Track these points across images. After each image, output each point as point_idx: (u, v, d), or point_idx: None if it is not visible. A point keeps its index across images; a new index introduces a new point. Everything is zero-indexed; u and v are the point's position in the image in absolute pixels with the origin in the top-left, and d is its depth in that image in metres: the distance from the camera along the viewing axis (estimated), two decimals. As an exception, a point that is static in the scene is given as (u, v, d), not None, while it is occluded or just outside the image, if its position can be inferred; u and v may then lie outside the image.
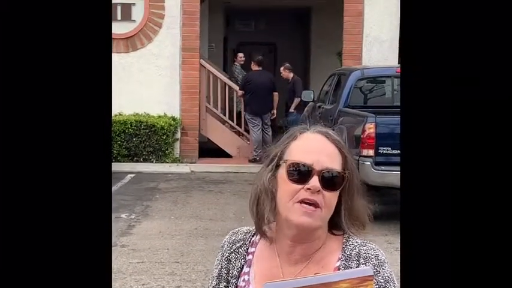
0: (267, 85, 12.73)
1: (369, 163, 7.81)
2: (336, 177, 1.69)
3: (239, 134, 13.77)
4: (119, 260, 6.27)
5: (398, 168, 6.55)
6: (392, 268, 1.73)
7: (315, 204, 1.66)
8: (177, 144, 12.63)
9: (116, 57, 12.05)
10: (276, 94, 12.90)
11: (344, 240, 1.75)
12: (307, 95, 11.62)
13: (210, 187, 10.47)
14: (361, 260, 1.71)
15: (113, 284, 4.44)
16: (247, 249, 1.82)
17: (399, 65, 9.46)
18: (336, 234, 1.76)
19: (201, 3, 13.29)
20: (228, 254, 1.83)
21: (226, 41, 19.02)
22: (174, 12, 12.57)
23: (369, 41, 12.57)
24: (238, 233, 1.85)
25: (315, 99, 11.33)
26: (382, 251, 1.77)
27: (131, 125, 12.12)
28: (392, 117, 7.99)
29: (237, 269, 1.80)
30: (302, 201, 1.66)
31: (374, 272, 1.66)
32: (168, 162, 12.35)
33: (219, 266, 1.83)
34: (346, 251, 1.73)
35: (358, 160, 7.82)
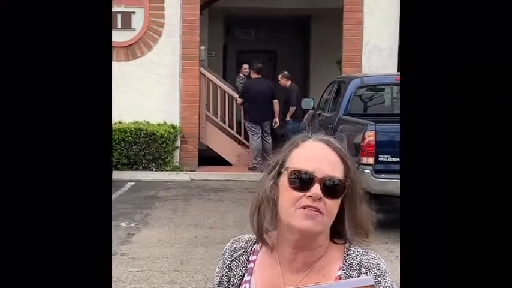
0: (266, 93, 12.73)
1: (368, 171, 7.81)
2: (338, 185, 1.69)
3: (239, 142, 13.77)
4: (119, 269, 6.26)
5: (398, 176, 6.54)
6: (392, 276, 1.73)
7: (316, 211, 1.66)
8: (177, 152, 12.63)
9: (115, 66, 12.06)
10: (275, 102, 12.91)
11: (345, 249, 1.75)
12: (307, 103, 11.62)
13: (209, 195, 10.46)
14: (363, 270, 1.71)
15: (112, 292, 4.43)
16: (249, 257, 1.81)
17: (399, 73, 9.49)
18: (337, 243, 1.76)
19: (201, 12, 13.31)
20: (229, 262, 1.82)
21: (226, 49, 19.05)
22: (174, 20, 12.59)
23: (368, 49, 12.59)
24: (240, 241, 1.85)
25: (315, 107, 11.33)
26: (383, 260, 1.76)
27: (131, 133, 12.12)
28: (392, 125, 7.99)
29: (238, 277, 1.80)
30: (304, 208, 1.66)
31: (375, 281, 1.65)
32: (167, 170, 12.34)
33: (220, 274, 1.83)
34: (347, 260, 1.73)
35: (358, 168, 7.81)
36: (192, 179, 11.99)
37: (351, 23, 12.62)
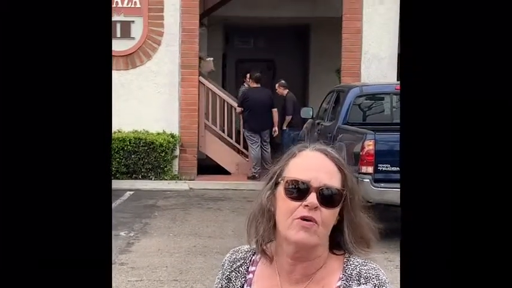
0: (266, 102, 12.75)
1: (368, 180, 7.80)
2: (335, 194, 1.68)
3: (238, 151, 13.77)
4: (118, 278, 6.24)
5: (397, 185, 6.54)
6: (392, 287, 1.72)
7: (312, 221, 1.65)
8: (176, 161, 12.62)
9: (115, 75, 12.07)
10: (275, 111, 12.94)
11: (345, 260, 1.74)
12: (306, 112, 11.64)
13: (208, 204, 10.45)
14: (362, 280, 1.70)
15: (111, 302, 4.41)
16: (248, 268, 1.81)
17: (398, 82, 9.50)
18: (337, 254, 1.76)
19: (200, 21, 13.34)
20: (228, 273, 1.82)
21: (225, 58, 19.08)
22: (173, 29, 12.61)
23: (367, 58, 12.61)
24: (239, 252, 1.85)
25: (314, 116, 11.34)
26: (383, 270, 1.76)
27: (130, 142, 12.12)
28: (391, 134, 7.99)
29: (238, 288, 1.79)
30: (300, 219, 1.65)
31: (375, 292, 1.65)
32: (166, 179, 12.33)
33: (219, 285, 1.82)
34: (347, 271, 1.72)
35: (357, 177, 7.81)
36: (191, 188, 11.98)
37: (350, 32, 12.64)
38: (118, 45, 12.17)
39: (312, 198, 1.65)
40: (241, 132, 13.36)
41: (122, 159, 12.11)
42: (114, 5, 12.28)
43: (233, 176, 13.13)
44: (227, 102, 13.57)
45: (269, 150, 12.71)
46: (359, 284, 1.70)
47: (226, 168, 13.35)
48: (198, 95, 12.95)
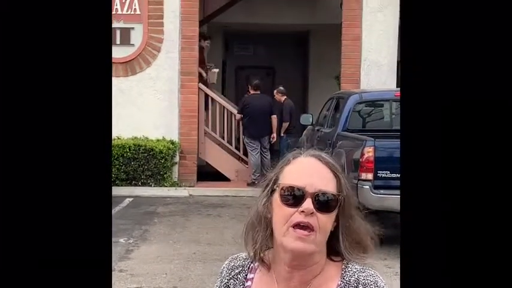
0: (265, 108, 12.77)
1: (367, 187, 7.80)
2: (330, 199, 1.68)
3: (238, 157, 13.77)
4: (117, 285, 6.23)
5: (397, 192, 6.53)
6: (392, 293, 1.72)
7: (309, 227, 1.65)
8: (176, 168, 12.62)
9: (115, 81, 12.06)
10: (274, 117, 12.96)
11: (343, 267, 1.74)
12: (306, 119, 11.64)
13: (208, 211, 10.44)
14: (360, 287, 1.70)
15: (111, 309, 4.40)
16: (246, 275, 1.80)
17: (398, 89, 9.51)
18: (334, 261, 1.75)
19: (200, 27, 13.35)
20: (226, 280, 1.82)
21: (225, 65, 19.09)
22: (173, 36, 12.62)
23: (367, 64, 12.62)
24: (237, 259, 1.84)
25: (314, 122, 11.34)
26: (382, 276, 1.75)
27: (130, 149, 12.12)
28: (391, 141, 7.99)
29: (236, 295, 1.79)
30: (296, 225, 1.65)
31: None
32: (166, 186, 12.32)
33: (218, 292, 1.82)
34: (345, 278, 1.72)
35: (357, 184, 7.80)
36: (190, 195, 11.97)
37: (349, 38, 12.66)
38: (118, 52, 12.18)
39: (308, 204, 1.65)
40: (241, 139, 13.37)
41: (122, 165, 12.11)
42: (113, 12, 12.29)
43: (233, 182, 13.13)
44: (227, 109, 13.58)
45: (269, 157, 12.71)
46: (357, 291, 1.69)
47: (226, 175, 13.35)
48: (198, 101, 12.95)
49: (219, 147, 13.53)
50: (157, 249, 7.75)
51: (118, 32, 12.49)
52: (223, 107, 13.60)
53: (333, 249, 1.75)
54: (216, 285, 1.84)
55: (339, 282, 1.72)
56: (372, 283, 1.70)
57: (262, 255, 1.76)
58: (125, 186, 12.06)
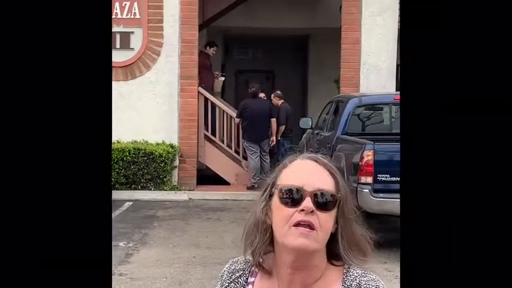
0: (264, 112, 12.79)
1: (367, 190, 7.80)
2: (329, 197, 1.69)
3: (237, 161, 13.77)
4: (117, 289, 6.23)
5: (396, 195, 6.53)
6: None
7: (310, 226, 1.65)
8: (175, 172, 12.61)
9: (114, 85, 12.07)
10: (273, 121, 12.98)
11: (344, 271, 1.74)
12: (305, 122, 11.64)
13: (208, 214, 10.43)
14: (362, 291, 1.70)
15: (110, 313, 4.39)
16: (247, 278, 1.80)
17: (397, 92, 9.52)
18: (336, 265, 1.75)
19: (200, 31, 13.36)
20: (227, 284, 1.82)
21: (224, 69, 19.10)
22: (173, 40, 12.63)
23: (366, 68, 12.62)
24: (238, 263, 1.84)
25: (313, 126, 11.35)
26: (383, 281, 1.75)
27: (129, 153, 12.11)
28: (390, 145, 7.99)
29: (236, 299, 1.79)
30: (297, 224, 1.66)
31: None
32: (166, 190, 12.32)
33: (218, 296, 1.82)
34: (346, 282, 1.72)
35: (357, 187, 7.80)
36: (190, 199, 11.96)
37: (348, 42, 12.67)
38: (117, 56, 12.19)
39: (307, 202, 1.66)
40: (241, 143, 13.39)
41: (121, 169, 12.10)
42: (113, 16, 12.29)
43: (232, 186, 13.13)
44: (227, 113, 13.59)
45: (268, 160, 12.72)
46: (359, 295, 1.70)
47: (225, 178, 13.34)
48: (198, 105, 12.96)
49: (218, 150, 13.54)
50: (157, 253, 7.74)
51: (118, 36, 12.49)
52: (223, 110, 13.60)
53: (333, 253, 1.75)
54: (217, 289, 1.84)
55: (340, 287, 1.72)
56: (373, 287, 1.70)
57: (261, 260, 1.76)
58: (125, 190, 12.06)
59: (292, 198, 1.68)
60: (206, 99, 13.42)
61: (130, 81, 12.67)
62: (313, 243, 1.66)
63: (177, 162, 12.59)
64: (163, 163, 12.21)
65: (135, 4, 12.58)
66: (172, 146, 12.53)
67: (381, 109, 10.05)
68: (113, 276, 6.50)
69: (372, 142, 8.01)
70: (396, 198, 6.70)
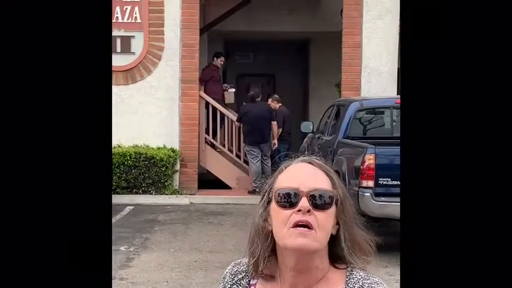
0: (264, 115, 12.81)
1: (368, 194, 7.79)
2: (325, 196, 1.69)
3: (239, 165, 13.77)
4: (118, 293, 6.22)
5: (398, 199, 6.52)
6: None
7: (308, 226, 1.66)
8: (177, 176, 12.61)
9: (115, 90, 12.09)
10: (274, 124, 12.99)
11: (347, 273, 1.74)
12: (306, 126, 11.64)
13: (209, 219, 10.43)
14: (365, 294, 1.70)
15: (111, 317, 4.39)
16: (249, 280, 1.81)
17: (398, 96, 9.51)
18: (339, 268, 1.75)
19: (201, 35, 13.38)
20: (229, 286, 1.82)
21: (225, 73, 19.11)
22: (174, 44, 12.64)
23: (367, 72, 12.63)
24: (240, 265, 1.85)
25: (314, 130, 11.35)
26: (385, 284, 1.75)
27: (130, 157, 12.11)
28: (391, 148, 7.98)
29: (239, 300, 1.80)
30: (296, 225, 1.66)
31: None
32: (167, 194, 12.32)
33: (220, 298, 1.82)
34: (349, 284, 1.72)
35: (358, 191, 7.80)
36: (191, 203, 11.96)
37: (350, 46, 12.67)
38: (118, 60, 12.20)
39: (304, 202, 1.67)
40: (242, 147, 13.40)
41: (122, 174, 12.10)
42: (114, 20, 12.32)
43: (234, 190, 13.13)
44: (227, 117, 13.59)
45: (270, 164, 12.72)
46: (362, 298, 1.70)
47: (226, 182, 13.34)
48: (199, 109, 12.97)
49: (219, 155, 13.54)
50: (158, 257, 7.74)
51: (119, 40, 12.50)
52: (224, 114, 13.61)
53: (336, 256, 1.75)
54: (219, 291, 1.84)
55: (343, 289, 1.73)
56: None
57: (262, 267, 1.76)
58: (126, 194, 12.06)
59: (289, 200, 1.69)
60: (207, 103, 13.43)
61: (131, 85, 12.67)
62: (313, 243, 1.67)
63: (178, 167, 12.59)
64: (164, 167, 12.21)
65: (136, 8, 12.59)
66: (173, 150, 12.53)
67: (382, 113, 10.05)
68: (114, 281, 6.50)
69: (374, 146, 8.01)
70: (398, 202, 6.68)
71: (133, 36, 12.63)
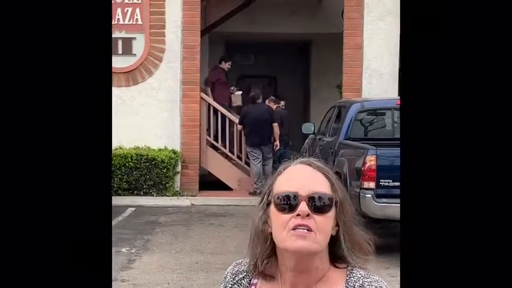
0: (265, 117, 12.81)
1: (370, 195, 7.79)
2: (324, 200, 1.69)
3: (240, 166, 13.77)
4: (119, 295, 6.22)
5: (399, 200, 6.50)
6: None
7: (308, 229, 1.66)
8: (178, 178, 12.62)
9: (116, 91, 12.10)
10: (275, 125, 12.98)
11: (348, 272, 1.75)
12: (308, 128, 11.64)
13: (210, 220, 10.43)
14: (365, 292, 1.70)
15: (112, 319, 4.39)
16: (250, 280, 1.82)
17: (399, 97, 9.50)
18: (339, 267, 1.76)
19: (202, 37, 13.38)
20: (230, 286, 1.83)
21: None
22: (175, 46, 12.65)
23: (368, 73, 12.62)
24: (242, 264, 1.86)
25: (315, 131, 11.35)
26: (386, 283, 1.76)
27: (131, 159, 12.12)
28: (393, 150, 7.98)
29: (240, 300, 1.80)
30: (295, 228, 1.66)
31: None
32: (168, 196, 12.32)
33: (221, 298, 1.83)
34: (349, 283, 1.73)
35: (359, 193, 7.80)
36: (192, 204, 11.96)
37: (350, 47, 12.67)
38: (119, 62, 12.21)
39: (303, 206, 1.67)
40: (243, 148, 13.40)
41: (124, 175, 12.11)
42: (115, 22, 12.33)
43: (235, 191, 13.13)
44: (229, 119, 13.60)
45: (271, 165, 12.70)
46: (362, 296, 1.70)
47: (228, 184, 13.34)
48: (200, 111, 12.97)
49: (221, 156, 13.54)
50: (160, 259, 7.74)
51: (120, 42, 12.51)
52: (225, 116, 13.61)
53: (336, 256, 1.75)
54: (220, 290, 1.85)
55: (344, 288, 1.73)
56: None
57: (262, 267, 1.77)
58: (127, 195, 12.06)
59: (288, 204, 1.69)
60: (208, 104, 13.44)
61: (133, 87, 12.68)
62: (313, 244, 1.67)
63: (179, 168, 12.60)
64: (165, 169, 12.21)
65: (137, 10, 12.60)
66: (174, 152, 12.54)
67: (383, 114, 10.05)
68: (115, 282, 6.50)
69: (375, 147, 8.01)
70: (399, 203, 6.68)
71: (135, 38, 12.64)
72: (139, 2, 12.60)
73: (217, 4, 14.39)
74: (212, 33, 15.79)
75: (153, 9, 12.60)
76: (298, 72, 19.34)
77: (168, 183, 12.35)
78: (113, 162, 11.67)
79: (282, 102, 15.57)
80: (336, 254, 1.75)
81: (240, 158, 13.75)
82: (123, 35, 12.55)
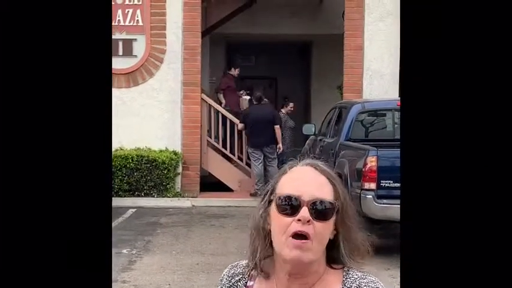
0: (267, 118, 12.79)
1: (370, 196, 7.79)
2: (326, 207, 1.69)
3: (241, 168, 13.77)
4: (120, 296, 6.22)
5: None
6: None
7: (306, 236, 1.65)
8: (179, 179, 12.61)
9: (117, 92, 12.10)
10: (277, 127, 12.95)
11: (344, 273, 1.75)
12: (308, 129, 11.63)
13: (211, 221, 10.43)
14: (362, 293, 1.70)
15: (113, 320, 4.39)
16: (246, 282, 1.82)
17: (400, 98, 9.49)
18: (335, 268, 1.75)
19: (202, 38, 13.38)
20: (226, 288, 1.83)
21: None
22: (176, 47, 12.65)
23: (369, 74, 12.62)
24: (237, 267, 1.86)
25: (316, 132, 11.35)
26: (384, 283, 1.75)
27: (132, 160, 12.12)
28: (393, 150, 7.98)
29: (236, 303, 1.80)
30: (294, 235, 1.66)
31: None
32: (169, 197, 12.32)
33: (218, 300, 1.82)
34: (346, 284, 1.73)
35: (360, 193, 7.79)
36: (193, 205, 11.96)
37: (351, 48, 12.67)
38: (120, 63, 12.22)
39: (304, 212, 1.66)
40: (244, 149, 13.40)
41: (124, 176, 12.11)
42: (116, 23, 12.34)
43: (236, 193, 13.13)
44: (230, 120, 13.60)
45: (275, 165, 12.67)
46: (359, 297, 1.70)
47: (228, 185, 13.34)
48: (201, 112, 12.97)
49: (221, 157, 13.54)
50: (160, 260, 7.74)
51: (120, 43, 12.51)
52: (226, 117, 13.62)
53: (334, 258, 1.75)
54: (217, 293, 1.85)
55: (340, 289, 1.73)
56: None
57: (261, 265, 1.77)
58: (128, 197, 12.07)
59: (290, 207, 1.68)
60: (209, 106, 13.44)
61: (133, 88, 12.68)
62: (309, 256, 1.67)
63: (180, 169, 12.60)
64: (166, 170, 12.21)
65: (138, 11, 12.60)
66: (175, 153, 12.54)
67: (384, 115, 10.05)
68: (116, 283, 6.50)
69: (375, 148, 8.00)
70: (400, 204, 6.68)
71: (135, 39, 12.64)
72: (140, 3, 12.60)
73: (218, 5, 14.39)
74: (213, 35, 15.79)
75: (153, 10, 12.60)
76: (299, 73, 19.34)
77: (168, 184, 12.35)
78: (113, 163, 11.68)
79: (291, 104, 15.57)
80: (332, 256, 1.75)
81: (240, 159, 13.75)
82: (124, 36, 12.55)
